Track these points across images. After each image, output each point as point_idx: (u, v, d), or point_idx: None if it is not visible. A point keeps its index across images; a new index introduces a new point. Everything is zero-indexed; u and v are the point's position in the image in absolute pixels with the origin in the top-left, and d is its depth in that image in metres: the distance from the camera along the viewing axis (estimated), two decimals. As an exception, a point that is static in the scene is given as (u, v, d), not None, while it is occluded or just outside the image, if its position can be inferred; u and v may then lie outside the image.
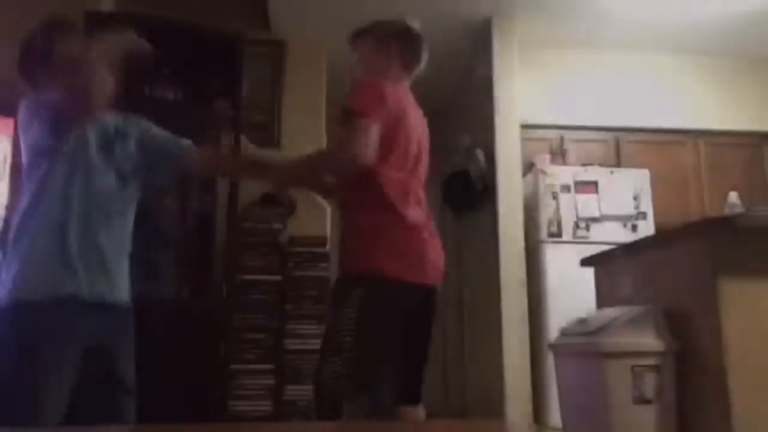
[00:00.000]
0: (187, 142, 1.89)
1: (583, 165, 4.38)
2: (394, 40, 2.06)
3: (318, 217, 3.95)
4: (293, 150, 4.27)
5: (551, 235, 4.06)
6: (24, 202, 1.61)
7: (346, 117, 1.79)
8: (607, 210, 4.12)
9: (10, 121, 2.93)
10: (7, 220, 2.85)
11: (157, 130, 1.87)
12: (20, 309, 1.49)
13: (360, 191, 1.85)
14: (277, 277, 3.38)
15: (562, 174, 4.19)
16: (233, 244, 3.08)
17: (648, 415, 2.08)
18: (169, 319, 2.84)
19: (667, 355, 2.13)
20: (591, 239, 4.02)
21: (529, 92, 4.67)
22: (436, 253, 1.93)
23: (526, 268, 4.09)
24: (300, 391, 3.26)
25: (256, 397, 3.19)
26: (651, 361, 2.10)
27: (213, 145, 2.62)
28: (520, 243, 4.12)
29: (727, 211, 3.33)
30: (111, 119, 1.76)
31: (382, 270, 1.78)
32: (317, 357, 1.90)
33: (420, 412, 1.92)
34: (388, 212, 1.83)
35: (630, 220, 4.15)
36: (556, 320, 3.62)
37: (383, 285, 1.78)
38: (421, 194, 1.96)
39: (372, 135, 1.77)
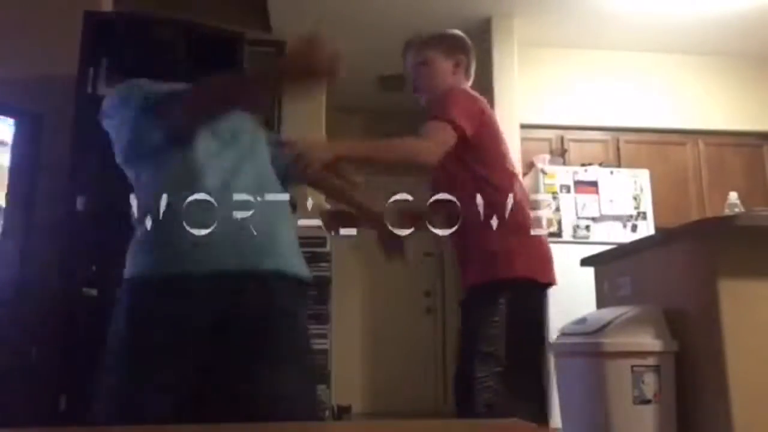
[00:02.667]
0: None
1: (583, 165, 4.38)
2: (462, 53, 2.02)
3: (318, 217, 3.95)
4: (293, 150, 4.28)
5: (551, 235, 4.06)
6: None
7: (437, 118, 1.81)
8: (607, 210, 4.12)
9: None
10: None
11: None
12: None
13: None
14: (277, 277, 3.37)
15: (562, 174, 4.19)
16: (233, 244, 3.07)
17: (648, 415, 2.08)
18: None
19: (667, 355, 2.13)
20: (591, 239, 4.02)
21: (529, 92, 4.67)
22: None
23: (526, 268, 4.09)
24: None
25: (256, 397, 3.19)
26: (651, 361, 2.10)
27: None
28: (520, 243, 4.12)
29: (727, 211, 3.32)
30: None
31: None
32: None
33: None
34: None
35: (630, 220, 4.15)
36: (556, 320, 3.62)
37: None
38: None
39: (450, 143, 1.78)
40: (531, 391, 1.82)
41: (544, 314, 1.90)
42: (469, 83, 2.03)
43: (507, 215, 1.83)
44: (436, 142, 1.76)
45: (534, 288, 1.87)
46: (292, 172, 1.53)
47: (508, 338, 1.75)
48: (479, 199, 1.78)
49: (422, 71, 1.97)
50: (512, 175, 1.92)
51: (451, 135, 1.77)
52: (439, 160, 1.77)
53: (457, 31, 2.04)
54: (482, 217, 1.79)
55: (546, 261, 1.94)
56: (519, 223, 1.85)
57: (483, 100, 1.93)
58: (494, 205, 1.80)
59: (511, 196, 1.84)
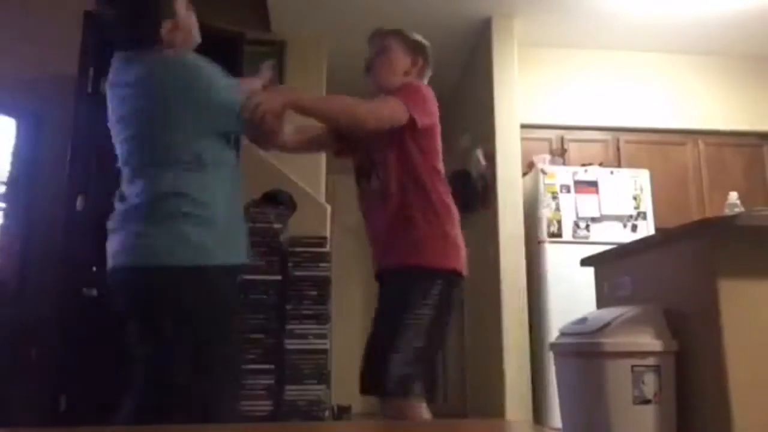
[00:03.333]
0: None
1: (583, 165, 4.38)
2: (421, 55, 2.10)
3: (318, 217, 3.96)
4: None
5: (551, 235, 4.06)
6: None
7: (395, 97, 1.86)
8: (607, 210, 4.12)
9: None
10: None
11: None
12: None
13: (427, 188, 1.90)
14: (277, 277, 3.37)
15: (562, 174, 4.19)
16: (233, 244, 3.08)
17: (648, 415, 2.08)
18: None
19: (667, 355, 2.13)
20: (591, 239, 4.02)
21: (529, 92, 4.67)
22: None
23: (526, 268, 4.09)
24: (300, 391, 3.25)
25: (256, 397, 3.19)
26: (651, 361, 2.10)
27: None
28: (520, 243, 4.12)
29: (727, 211, 3.32)
30: None
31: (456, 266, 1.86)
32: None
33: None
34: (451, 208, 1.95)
35: (630, 220, 4.15)
36: (556, 320, 3.63)
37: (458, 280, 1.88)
38: None
39: (397, 118, 1.82)
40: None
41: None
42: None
43: (449, 205, 1.93)
44: (383, 109, 1.82)
45: (460, 280, 1.89)
46: (251, 123, 1.65)
47: (430, 324, 1.78)
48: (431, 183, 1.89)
49: (381, 57, 2.04)
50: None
51: (402, 112, 1.82)
52: (382, 130, 1.83)
53: (424, 40, 2.12)
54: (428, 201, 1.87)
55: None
56: (454, 216, 1.93)
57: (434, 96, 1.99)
58: (437, 193, 1.90)
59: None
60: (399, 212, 1.85)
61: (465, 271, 1.89)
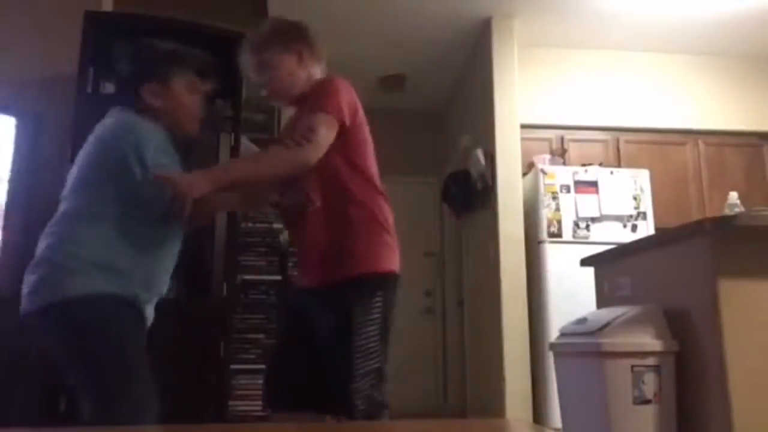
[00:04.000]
0: None
1: (583, 165, 4.37)
2: (300, 42, 1.89)
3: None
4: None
5: (551, 235, 4.06)
6: None
7: (313, 114, 1.69)
8: (607, 210, 4.12)
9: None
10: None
11: None
12: None
13: (351, 191, 1.74)
14: (277, 277, 3.37)
15: (562, 174, 4.19)
16: (233, 244, 3.08)
17: (648, 415, 2.08)
18: (169, 319, 2.84)
19: (667, 355, 2.13)
20: (591, 239, 4.02)
21: (529, 92, 4.67)
22: None
23: (526, 268, 4.09)
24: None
25: (256, 397, 3.19)
26: (651, 361, 2.10)
27: None
28: (520, 243, 4.12)
29: (727, 211, 3.32)
30: None
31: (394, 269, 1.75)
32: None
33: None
34: (384, 207, 1.79)
35: (630, 220, 4.15)
36: (556, 320, 3.63)
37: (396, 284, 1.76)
38: None
39: (332, 136, 1.68)
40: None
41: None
42: (322, 66, 1.92)
43: (382, 207, 1.77)
44: (317, 139, 1.64)
45: (396, 282, 1.77)
46: (173, 210, 1.55)
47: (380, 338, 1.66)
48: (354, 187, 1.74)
49: (268, 78, 1.84)
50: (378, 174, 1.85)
51: (333, 127, 1.68)
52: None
53: (283, 18, 1.96)
54: (357, 206, 1.72)
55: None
56: (387, 218, 1.78)
57: (350, 85, 1.82)
58: (368, 195, 1.75)
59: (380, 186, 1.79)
60: (323, 221, 1.72)
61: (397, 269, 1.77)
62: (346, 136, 1.72)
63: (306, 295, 1.78)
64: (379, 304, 1.67)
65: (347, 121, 1.71)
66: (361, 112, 1.80)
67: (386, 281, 1.72)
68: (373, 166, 1.81)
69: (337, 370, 1.63)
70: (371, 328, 1.64)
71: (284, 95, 1.87)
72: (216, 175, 1.60)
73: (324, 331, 1.69)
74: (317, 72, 1.89)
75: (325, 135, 1.65)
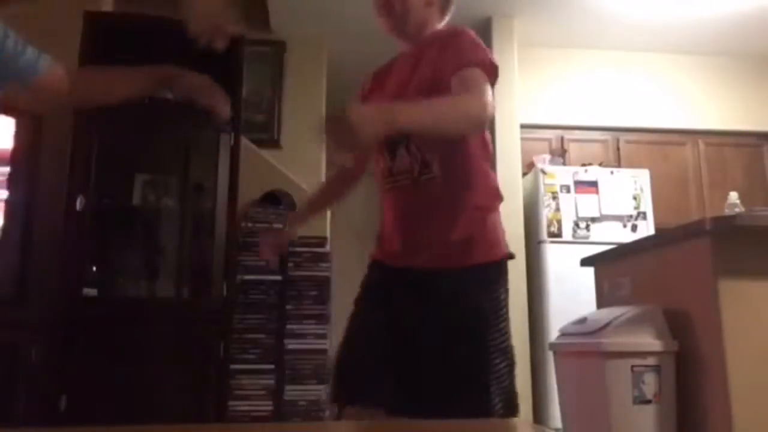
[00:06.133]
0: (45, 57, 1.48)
1: (583, 165, 4.38)
2: None
3: (318, 217, 3.95)
4: (293, 150, 4.28)
5: (551, 235, 4.06)
6: None
7: (481, 71, 1.42)
8: (607, 210, 4.12)
9: None
10: None
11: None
12: None
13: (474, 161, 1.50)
14: (277, 277, 3.37)
15: (562, 174, 4.19)
16: (233, 244, 3.08)
17: (648, 415, 2.08)
18: (170, 319, 2.84)
19: (667, 355, 2.13)
20: (591, 239, 4.02)
21: (529, 92, 4.67)
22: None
23: (526, 268, 4.09)
24: (300, 391, 3.25)
25: (256, 397, 3.19)
26: (651, 361, 2.10)
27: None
28: (520, 243, 4.12)
29: (727, 211, 3.32)
30: None
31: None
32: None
33: None
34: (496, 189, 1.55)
35: (630, 220, 4.15)
36: (556, 320, 3.63)
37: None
38: None
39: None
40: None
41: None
42: (444, 19, 1.74)
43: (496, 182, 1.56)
44: (485, 95, 1.36)
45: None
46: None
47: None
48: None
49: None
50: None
51: (490, 86, 1.41)
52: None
53: None
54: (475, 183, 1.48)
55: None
56: (500, 195, 1.56)
57: None
58: (487, 169, 1.54)
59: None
60: (446, 195, 1.45)
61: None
62: None
63: (400, 275, 1.50)
64: (504, 295, 1.46)
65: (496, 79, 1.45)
66: None
67: (506, 268, 1.49)
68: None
69: (467, 371, 1.40)
70: (503, 324, 1.43)
71: (408, 28, 1.62)
72: (403, 114, 1.26)
73: (432, 321, 1.42)
74: (438, 21, 1.69)
75: (489, 94, 1.37)
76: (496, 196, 1.52)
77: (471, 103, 1.34)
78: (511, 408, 1.44)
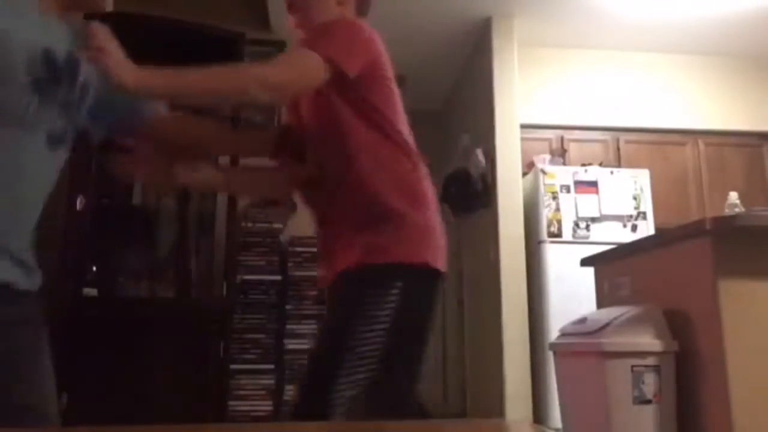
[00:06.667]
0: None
1: (583, 165, 4.38)
2: None
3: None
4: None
5: (551, 235, 4.06)
6: None
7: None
8: (607, 210, 4.12)
9: None
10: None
11: None
12: None
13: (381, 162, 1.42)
14: (277, 277, 3.37)
15: (562, 174, 4.19)
16: (233, 244, 3.08)
17: (648, 415, 2.08)
18: (170, 319, 2.84)
19: (667, 355, 2.13)
20: (591, 239, 4.02)
21: (529, 92, 4.67)
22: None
23: (526, 268, 4.09)
24: (300, 391, 3.26)
25: (256, 397, 3.19)
26: (651, 361, 2.10)
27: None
28: (520, 243, 4.12)
29: (727, 211, 3.32)
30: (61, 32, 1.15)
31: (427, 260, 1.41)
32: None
33: None
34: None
35: (630, 220, 4.15)
36: (556, 320, 3.63)
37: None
38: None
39: (320, 78, 1.34)
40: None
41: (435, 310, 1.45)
42: (362, 14, 1.65)
43: (415, 182, 1.44)
44: (293, 69, 1.33)
45: (432, 277, 1.42)
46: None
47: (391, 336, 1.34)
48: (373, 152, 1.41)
49: None
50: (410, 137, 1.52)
51: (318, 67, 1.32)
52: (300, 97, 1.42)
53: None
54: (374, 179, 1.39)
55: (442, 246, 1.47)
56: (425, 194, 1.45)
57: (378, 38, 1.50)
58: (393, 164, 1.43)
59: (417, 154, 1.47)
60: (343, 197, 1.42)
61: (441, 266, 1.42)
62: (356, 89, 1.41)
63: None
64: (391, 303, 1.35)
65: (349, 71, 1.37)
66: (382, 63, 1.48)
67: (406, 274, 1.38)
68: (402, 125, 1.49)
69: (316, 366, 1.37)
70: (371, 331, 1.34)
71: (311, 24, 1.54)
72: (158, 73, 1.19)
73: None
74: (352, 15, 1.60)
75: (310, 65, 1.32)
76: (411, 197, 1.42)
77: (259, 71, 1.31)
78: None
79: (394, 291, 1.35)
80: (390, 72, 1.50)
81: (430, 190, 1.47)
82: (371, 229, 1.38)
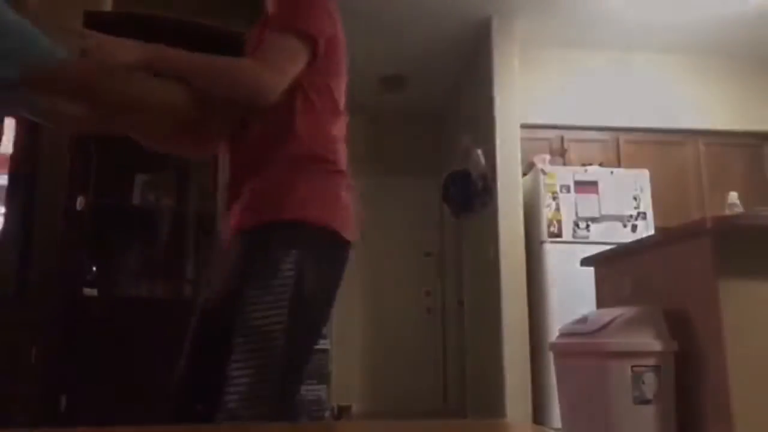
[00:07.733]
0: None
1: (583, 165, 4.38)
2: None
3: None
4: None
5: (551, 235, 4.06)
6: None
7: (284, 34, 1.34)
8: (607, 210, 4.12)
9: None
10: None
11: None
12: None
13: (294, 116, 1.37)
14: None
15: (562, 174, 4.19)
16: (233, 244, 3.08)
17: (648, 415, 2.08)
18: (170, 319, 2.84)
19: (667, 355, 2.13)
20: (591, 239, 4.02)
21: (529, 92, 4.67)
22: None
23: (526, 268, 4.10)
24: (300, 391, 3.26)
25: (256, 397, 3.20)
26: (651, 361, 2.10)
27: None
28: (520, 243, 4.12)
29: (727, 211, 3.32)
30: None
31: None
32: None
33: None
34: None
35: (630, 220, 4.15)
36: (556, 320, 3.63)
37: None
38: None
39: (300, 67, 1.32)
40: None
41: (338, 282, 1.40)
42: None
43: (336, 146, 1.39)
44: (281, 70, 1.30)
45: (338, 244, 1.38)
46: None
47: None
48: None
49: None
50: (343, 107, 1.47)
51: (303, 56, 1.33)
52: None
53: None
54: (293, 134, 1.33)
55: (351, 217, 1.42)
56: (340, 160, 1.39)
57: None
58: (322, 125, 1.38)
59: (344, 119, 1.43)
60: (256, 150, 1.37)
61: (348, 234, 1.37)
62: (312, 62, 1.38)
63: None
64: (289, 265, 1.25)
65: (321, 49, 1.37)
66: (338, 28, 1.50)
67: (308, 234, 1.29)
68: (337, 90, 1.46)
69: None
70: (269, 295, 1.23)
71: None
72: (150, 48, 1.22)
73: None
74: None
75: (293, 70, 1.32)
76: (324, 155, 1.35)
77: (251, 73, 1.29)
78: (249, 401, 1.20)
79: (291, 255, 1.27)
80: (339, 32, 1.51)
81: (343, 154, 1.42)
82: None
